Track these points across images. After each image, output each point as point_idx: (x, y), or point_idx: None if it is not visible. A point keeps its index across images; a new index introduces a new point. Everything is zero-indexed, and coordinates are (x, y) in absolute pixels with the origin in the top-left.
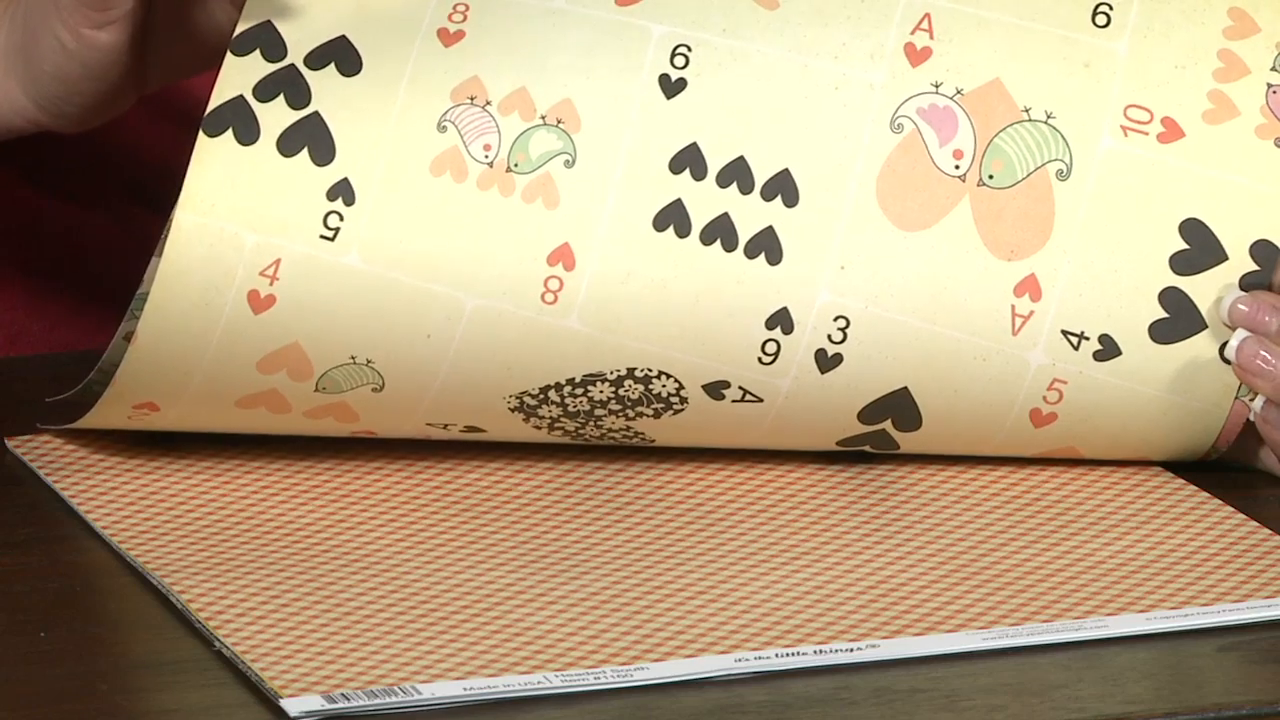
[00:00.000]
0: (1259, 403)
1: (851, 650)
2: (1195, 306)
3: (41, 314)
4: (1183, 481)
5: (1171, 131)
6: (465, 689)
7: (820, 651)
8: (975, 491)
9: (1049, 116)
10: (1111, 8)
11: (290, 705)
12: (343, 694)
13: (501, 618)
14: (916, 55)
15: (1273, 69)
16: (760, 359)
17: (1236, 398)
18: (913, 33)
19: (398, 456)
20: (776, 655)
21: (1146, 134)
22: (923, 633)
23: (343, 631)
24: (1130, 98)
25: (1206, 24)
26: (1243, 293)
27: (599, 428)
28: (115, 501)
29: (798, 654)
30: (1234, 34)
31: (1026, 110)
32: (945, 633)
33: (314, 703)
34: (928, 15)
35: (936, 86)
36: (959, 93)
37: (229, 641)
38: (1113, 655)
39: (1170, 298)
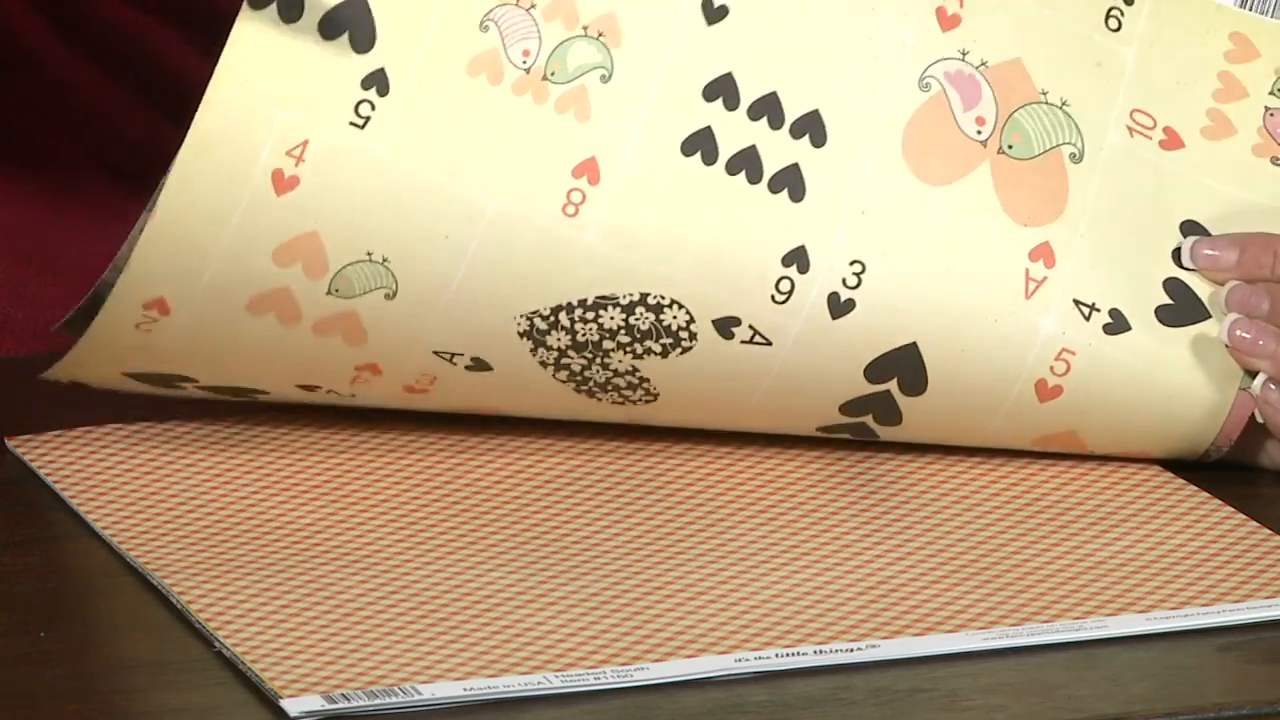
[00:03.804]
0: (1259, 383)
1: (851, 650)
2: (1198, 296)
3: (24, 301)
4: (1183, 481)
5: (1173, 140)
6: (465, 689)
7: (820, 651)
8: (975, 491)
9: (1064, 103)
10: (1123, 13)
11: (290, 705)
12: (343, 694)
13: (502, 618)
14: (946, 20)
15: (1271, 93)
16: (774, 296)
17: (1241, 387)
18: None
19: (398, 457)
20: (776, 655)
21: (1150, 138)
22: (923, 633)
23: (343, 632)
24: (1136, 102)
25: (1208, 45)
26: (1238, 280)
27: (605, 368)
28: (115, 501)
29: (798, 654)
30: (1235, 58)
31: (1044, 93)
32: (945, 633)
33: (314, 703)
34: None
35: (963, 54)
36: (983, 64)
37: (229, 641)
38: (1113, 655)
39: (1174, 286)
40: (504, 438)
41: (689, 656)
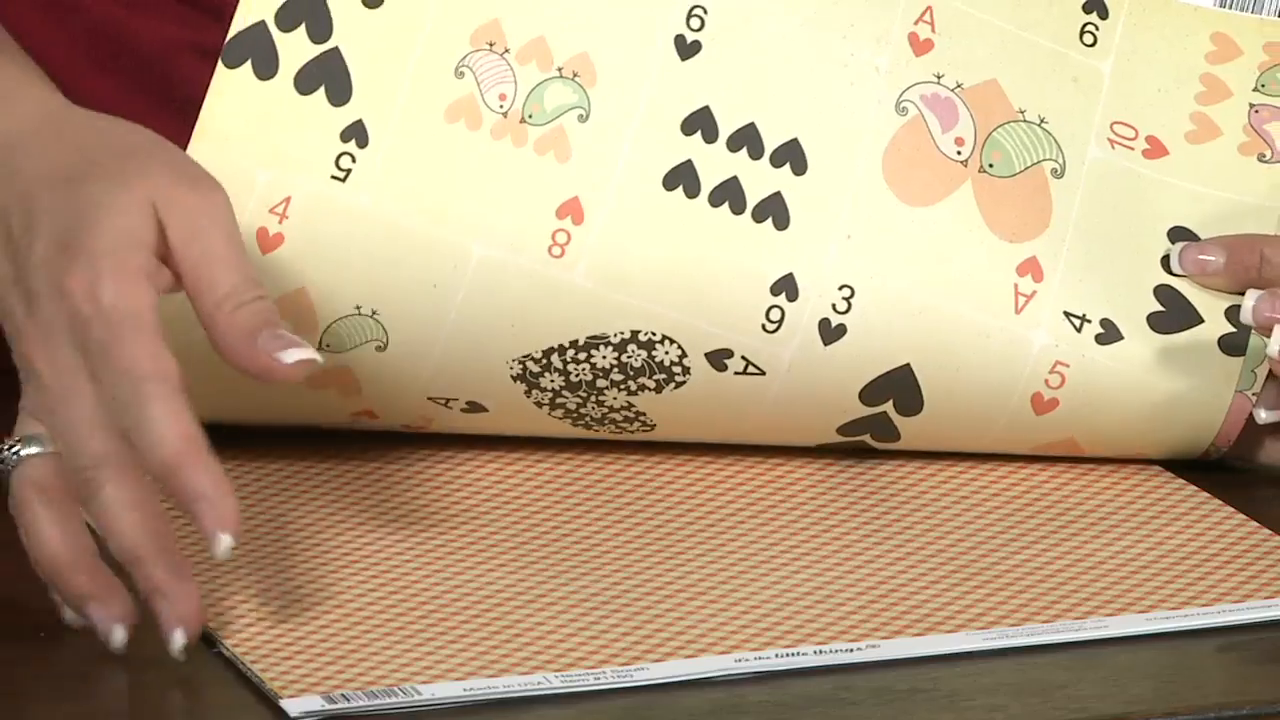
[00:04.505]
0: (1275, 344)
1: (851, 650)
2: (1190, 302)
3: None
4: (1183, 482)
5: (1156, 149)
6: (465, 690)
7: (820, 651)
8: (975, 492)
9: (1042, 120)
10: (1098, 28)
11: (290, 706)
12: (342, 694)
13: (501, 618)
14: (919, 45)
15: (1254, 90)
16: (764, 326)
17: (1238, 390)
18: (916, 23)
19: (397, 457)
20: (776, 655)
21: (1132, 149)
22: (923, 633)
23: (342, 632)
24: (1115, 115)
25: (1189, 49)
26: (1259, 291)
27: (600, 405)
28: None
29: (798, 654)
30: (1216, 58)
31: (1021, 112)
32: (945, 633)
33: (314, 703)
34: (929, 8)
35: (938, 78)
36: (959, 86)
37: (229, 642)
38: (1113, 655)
39: (1165, 293)
40: (503, 440)
41: (689, 656)
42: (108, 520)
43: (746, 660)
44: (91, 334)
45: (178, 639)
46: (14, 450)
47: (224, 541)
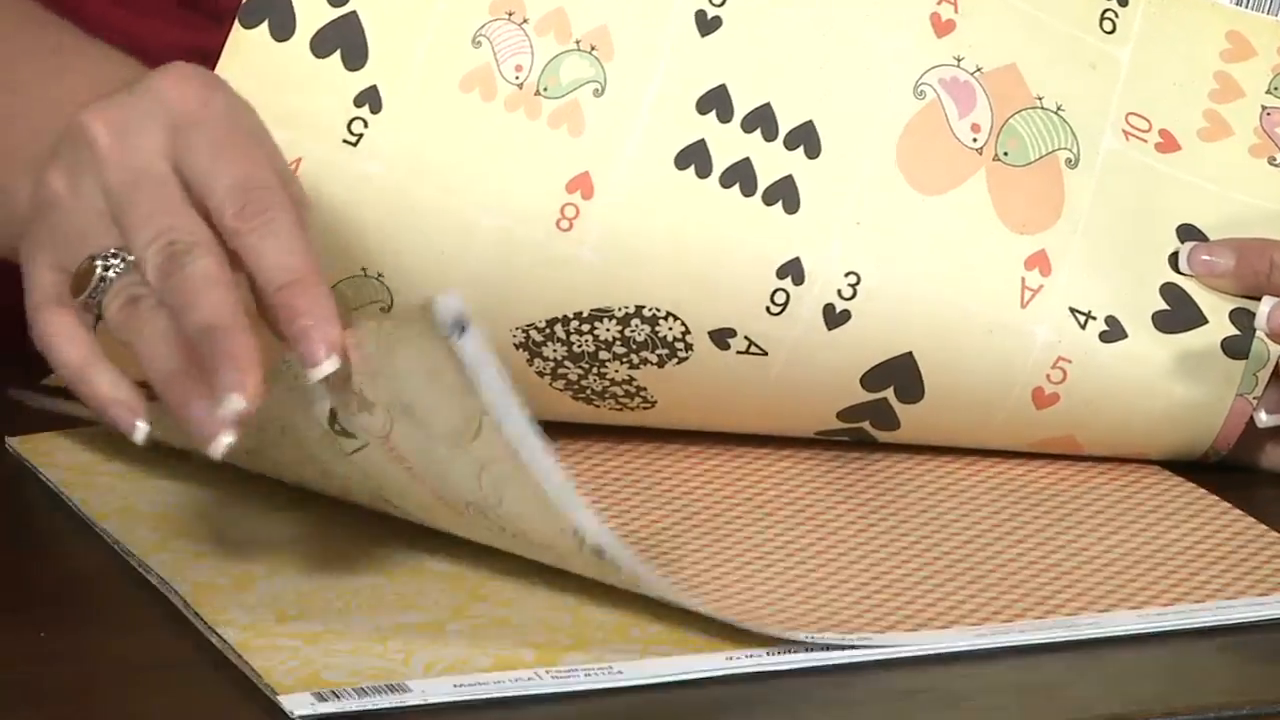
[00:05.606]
0: None
1: (845, 649)
2: (1195, 302)
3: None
4: (1181, 479)
5: (1168, 143)
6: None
7: (811, 647)
8: (972, 487)
9: (1059, 108)
10: (1117, 15)
11: (283, 702)
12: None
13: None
14: (941, 26)
15: (1268, 92)
16: (769, 308)
17: (1238, 393)
18: (939, 3)
19: None
20: (768, 654)
21: (1145, 141)
22: (915, 628)
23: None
24: (1131, 105)
25: (1204, 45)
26: (1276, 298)
27: (602, 378)
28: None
29: (794, 652)
30: (1231, 57)
31: (1039, 98)
32: (938, 628)
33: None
34: None
35: (958, 61)
36: (979, 70)
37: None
38: (1113, 655)
39: (1171, 292)
40: None
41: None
42: (191, 293)
43: (740, 659)
44: (194, 133)
45: (326, 365)
46: (110, 260)
47: (328, 365)
